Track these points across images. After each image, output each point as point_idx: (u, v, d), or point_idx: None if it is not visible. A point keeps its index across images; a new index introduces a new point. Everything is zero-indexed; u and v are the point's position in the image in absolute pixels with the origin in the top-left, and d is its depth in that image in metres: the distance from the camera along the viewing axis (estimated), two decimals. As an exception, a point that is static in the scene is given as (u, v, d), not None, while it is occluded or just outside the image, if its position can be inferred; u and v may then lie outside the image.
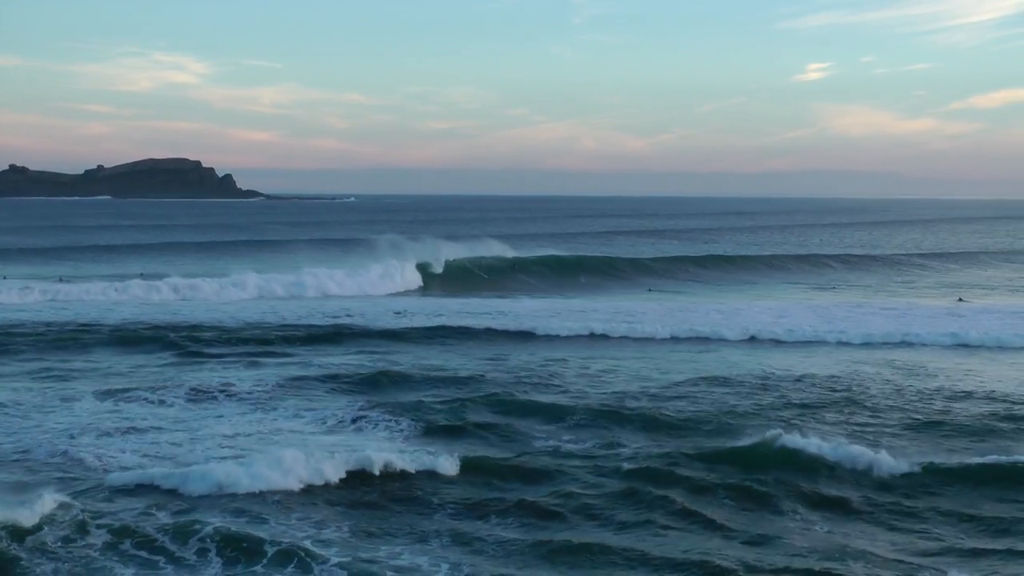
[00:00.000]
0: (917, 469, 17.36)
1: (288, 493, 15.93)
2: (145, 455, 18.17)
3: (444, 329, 34.41)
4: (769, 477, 16.84)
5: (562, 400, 23.06)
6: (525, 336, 33.81)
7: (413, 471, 17.02)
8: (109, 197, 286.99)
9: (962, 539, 14.61)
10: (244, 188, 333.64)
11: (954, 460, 18.04)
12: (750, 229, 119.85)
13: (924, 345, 32.64)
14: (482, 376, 26.05)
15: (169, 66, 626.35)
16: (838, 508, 15.86)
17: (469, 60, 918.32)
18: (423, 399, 22.86)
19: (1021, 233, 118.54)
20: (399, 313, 38.92)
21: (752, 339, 33.54)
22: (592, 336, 33.95)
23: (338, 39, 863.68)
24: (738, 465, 17.55)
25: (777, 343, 33.05)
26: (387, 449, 18.11)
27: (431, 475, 16.97)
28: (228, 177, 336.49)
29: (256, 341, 31.80)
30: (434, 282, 53.38)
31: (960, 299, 48.47)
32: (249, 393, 23.59)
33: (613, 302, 44.82)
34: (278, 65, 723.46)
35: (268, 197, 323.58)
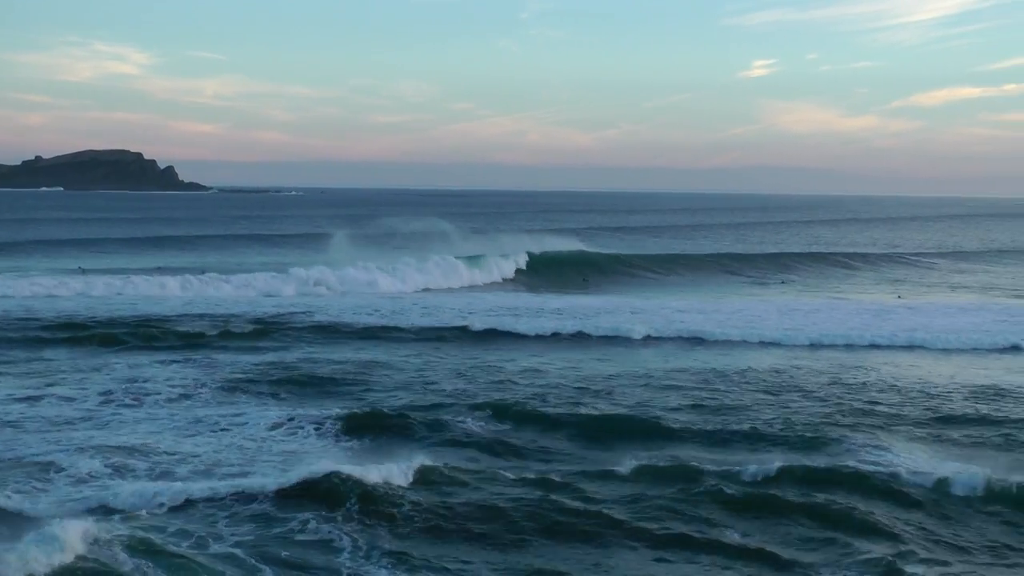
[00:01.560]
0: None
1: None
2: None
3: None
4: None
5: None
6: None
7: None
8: (60, 188, 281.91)
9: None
10: (186, 180, 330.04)
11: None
12: (695, 227, 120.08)
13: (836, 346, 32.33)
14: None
15: (111, 56, 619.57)
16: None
17: (416, 53, 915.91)
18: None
19: (960, 231, 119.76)
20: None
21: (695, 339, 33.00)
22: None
23: (283, 31, 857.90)
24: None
25: (700, 342, 32.52)
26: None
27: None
28: (170, 169, 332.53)
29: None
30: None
31: (899, 296, 48.73)
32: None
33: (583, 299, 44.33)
34: (222, 56, 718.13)
35: (221, 190, 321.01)
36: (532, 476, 16.58)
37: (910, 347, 31.96)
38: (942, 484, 16.11)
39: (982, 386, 25.39)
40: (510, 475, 16.61)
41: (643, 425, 20.37)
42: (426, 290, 48.00)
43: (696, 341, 32.40)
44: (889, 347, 31.93)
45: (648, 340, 32.56)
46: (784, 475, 16.44)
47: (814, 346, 32.01)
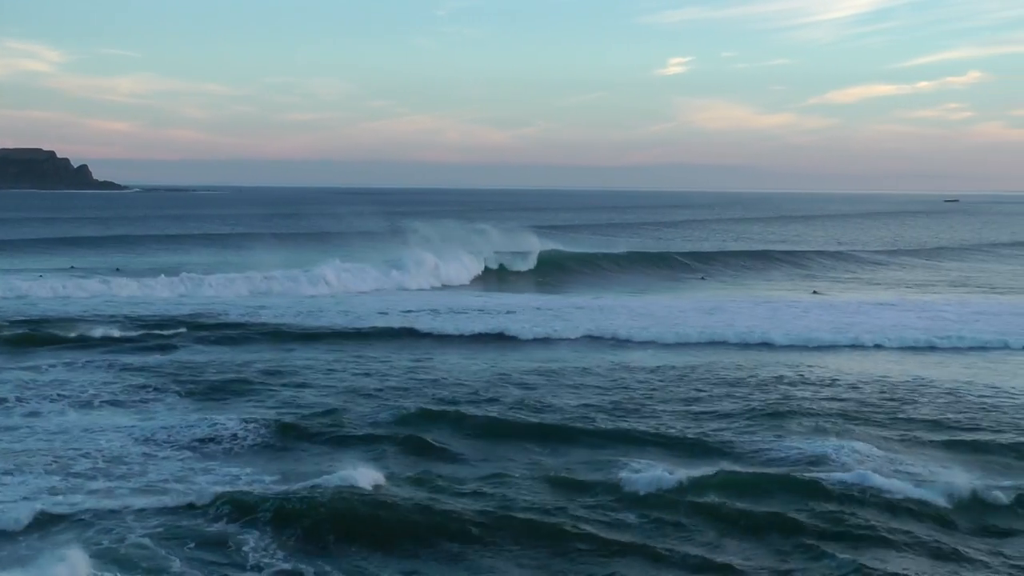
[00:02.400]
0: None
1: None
2: None
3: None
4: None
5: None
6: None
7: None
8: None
9: None
10: (100, 179, 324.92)
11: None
12: (620, 225, 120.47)
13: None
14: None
15: (22, 54, 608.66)
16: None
17: (331, 50, 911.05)
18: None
19: (876, 228, 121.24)
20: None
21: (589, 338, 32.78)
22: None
23: (197, 28, 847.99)
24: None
25: (618, 342, 32.30)
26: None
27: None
28: (84, 168, 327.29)
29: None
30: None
31: (815, 291, 49.24)
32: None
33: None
34: (135, 54, 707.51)
35: (145, 189, 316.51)
36: (437, 481, 16.31)
37: (832, 347, 31.96)
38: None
39: (896, 382, 25.59)
40: (411, 479, 16.33)
41: (553, 428, 20.05)
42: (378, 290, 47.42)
43: (614, 341, 32.30)
44: (803, 347, 31.74)
45: (567, 340, 32.38)
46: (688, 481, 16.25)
47: (726, 344, 32.00)
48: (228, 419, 19.87)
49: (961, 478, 16.18)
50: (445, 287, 49.97)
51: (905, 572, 13.06)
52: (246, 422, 19.56)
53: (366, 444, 18.58)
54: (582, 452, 18.50)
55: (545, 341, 32.12)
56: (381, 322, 34.52)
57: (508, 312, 37.69)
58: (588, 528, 14.30)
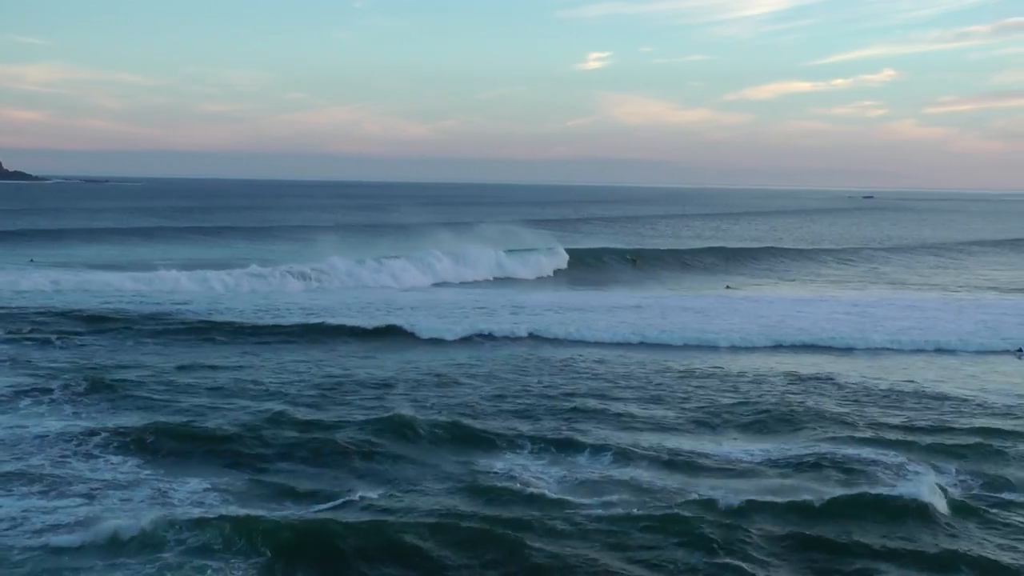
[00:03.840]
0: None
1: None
2: None
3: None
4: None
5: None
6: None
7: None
8: None
9: None
10: (11, 169, 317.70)
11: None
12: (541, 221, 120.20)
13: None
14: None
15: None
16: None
17: (248, 41, 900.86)
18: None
19: (790, 224, 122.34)
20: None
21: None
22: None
23: (110, 16, 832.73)
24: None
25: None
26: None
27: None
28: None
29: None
30: None
31: (728, 286, 49.98)
32: None
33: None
34: (46, 42, 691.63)
35: (67, 179, 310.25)
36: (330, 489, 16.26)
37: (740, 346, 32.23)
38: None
39: (810, 378, 26.22)
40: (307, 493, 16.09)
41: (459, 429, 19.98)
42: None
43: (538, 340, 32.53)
44: (710, 348, 31.86)
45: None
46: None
47: (642, 344, 32.22)
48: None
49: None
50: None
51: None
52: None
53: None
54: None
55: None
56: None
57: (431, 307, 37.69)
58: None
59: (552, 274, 57.61)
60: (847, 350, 31.89)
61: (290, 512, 14.91)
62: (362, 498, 15.67)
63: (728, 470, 17.72)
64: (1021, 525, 15.33)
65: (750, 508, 15.38)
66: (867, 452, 18.76)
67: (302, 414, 20.74)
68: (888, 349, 32.10)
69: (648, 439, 19.58)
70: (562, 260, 59.91)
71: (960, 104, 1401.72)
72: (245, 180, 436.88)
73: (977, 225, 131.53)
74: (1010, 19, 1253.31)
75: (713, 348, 31.57)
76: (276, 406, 21.39)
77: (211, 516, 14.35)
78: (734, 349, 31.60)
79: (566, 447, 18.87)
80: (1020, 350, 32.00)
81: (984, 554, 14.12)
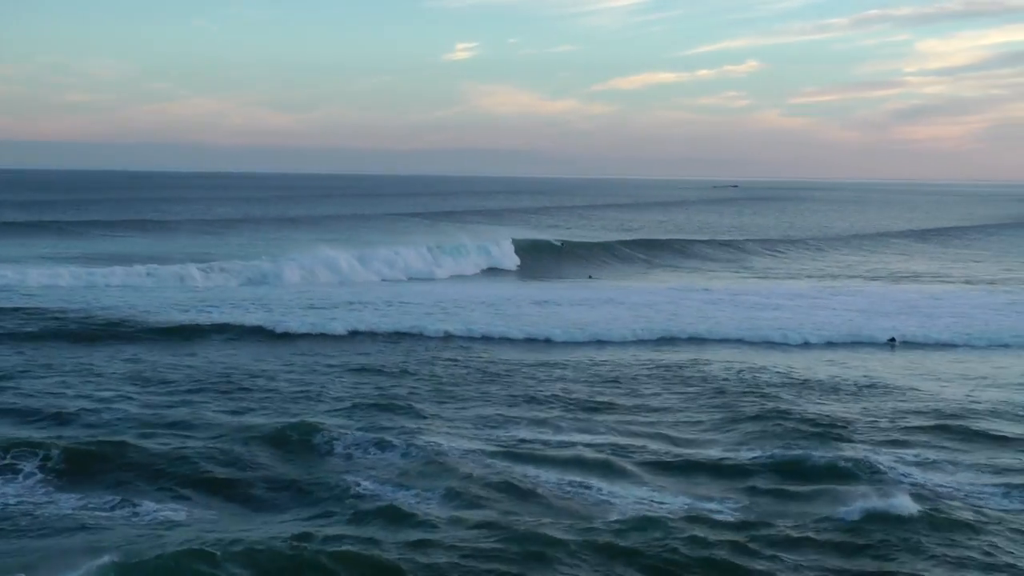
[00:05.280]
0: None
1: None
2: None
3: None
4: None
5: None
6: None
7: None
8: None
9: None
10: None
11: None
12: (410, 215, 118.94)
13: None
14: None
15: None
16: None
17: (108, 30, 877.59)
18: None
19: (653, 216, 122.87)
20: None
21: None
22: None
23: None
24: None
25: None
26: None
27: None
28: None
29: None
30: None
31: (590, 276, 49.99)
32: None
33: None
34: None
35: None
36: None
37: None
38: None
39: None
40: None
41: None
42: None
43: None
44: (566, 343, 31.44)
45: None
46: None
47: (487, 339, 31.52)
48: None
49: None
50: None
51: None
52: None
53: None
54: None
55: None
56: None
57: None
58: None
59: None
60: (717, 342, 31.66)
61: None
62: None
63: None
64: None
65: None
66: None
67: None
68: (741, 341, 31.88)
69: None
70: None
71: (822, 95, 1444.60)
72: (101, 171, 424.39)
73: (842, 215, 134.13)
74: (869, 11, 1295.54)
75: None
76: None
77: None
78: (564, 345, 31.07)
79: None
80: (893, 340, 31.93)
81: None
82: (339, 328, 31.68)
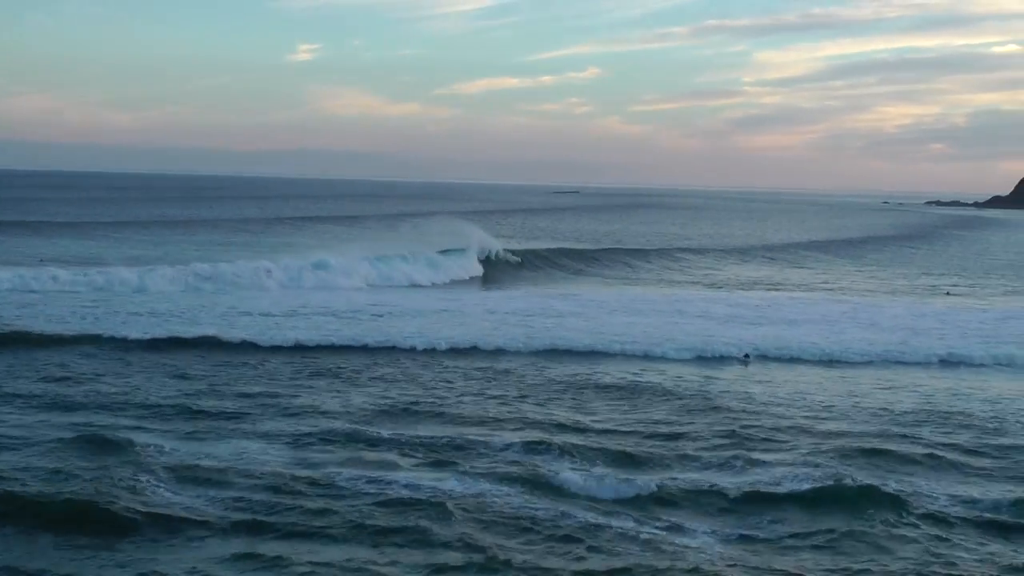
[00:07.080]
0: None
1: None
2: None
3: None
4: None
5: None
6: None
7: None
8: None
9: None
10: None
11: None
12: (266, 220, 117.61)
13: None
14: None
15: None
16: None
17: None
18: None
19: (501, 222, 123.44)
20: None
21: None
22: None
23: None
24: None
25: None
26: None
27: None
28: None
29: None
30: None
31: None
32: None
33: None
34: None
35: None
36: None
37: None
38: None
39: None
40: None
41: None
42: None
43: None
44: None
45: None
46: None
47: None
48: None
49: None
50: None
51: None
52: None
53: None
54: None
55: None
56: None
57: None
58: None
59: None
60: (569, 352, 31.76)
61: None
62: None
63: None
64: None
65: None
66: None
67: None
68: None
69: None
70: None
71: (663, 103, 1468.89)
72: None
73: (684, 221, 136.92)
74: (708, 21, 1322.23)
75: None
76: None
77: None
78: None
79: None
80: (747, 356, 30.92)
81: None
82: None
